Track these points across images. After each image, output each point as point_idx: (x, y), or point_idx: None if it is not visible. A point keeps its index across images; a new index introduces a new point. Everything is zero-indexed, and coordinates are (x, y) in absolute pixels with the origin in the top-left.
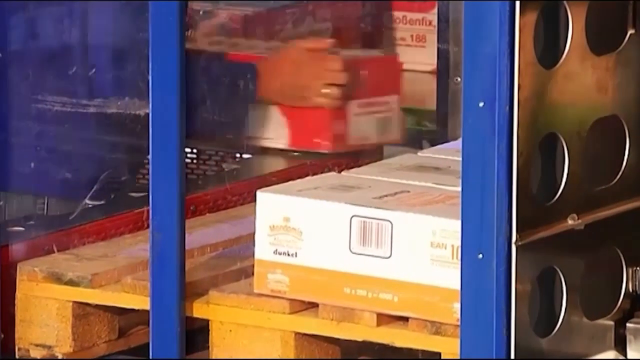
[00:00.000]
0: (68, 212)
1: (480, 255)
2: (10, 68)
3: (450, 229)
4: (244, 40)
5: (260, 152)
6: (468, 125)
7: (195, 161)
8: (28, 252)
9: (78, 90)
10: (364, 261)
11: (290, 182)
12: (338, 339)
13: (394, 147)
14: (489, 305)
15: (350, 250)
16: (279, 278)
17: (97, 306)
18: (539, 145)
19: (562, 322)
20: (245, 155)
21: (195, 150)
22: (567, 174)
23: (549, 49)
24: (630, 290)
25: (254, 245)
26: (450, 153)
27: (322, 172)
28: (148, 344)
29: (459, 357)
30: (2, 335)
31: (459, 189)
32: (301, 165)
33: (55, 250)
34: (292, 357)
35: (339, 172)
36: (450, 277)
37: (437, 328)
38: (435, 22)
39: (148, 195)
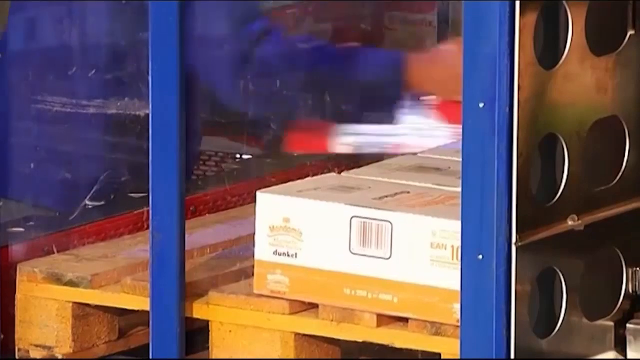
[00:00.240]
0: (69, 212)
1: (480, 256)
2: (11, 69)
3: (450, 229)
4: None
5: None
6: (468, 126)
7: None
8: (28, 253)
9: (85, 91)
10: (364, 262)
11: (290, 183)
12: (338, 340)
13: None
14: (489, 306)
15: (350, 251)
16: (278, 279)
17: (97, 307)
18: (539, 145)
19: (562, 323)
20: (245, 156)
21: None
22: (567, 175)
23: (549, 50)
24: (630, 291)
25: (253, 246)
26: (450, 154)
27: (322, 173)
28: (148, 344)
29: (459, 358)
30: (2, 336)
31: (459, 189)
32: (301, 166)
33: (55, 251)
34: (292, 358)
35: (339, 173)
36: (450, 278)
37: (437, 329)
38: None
39: (148, 196)
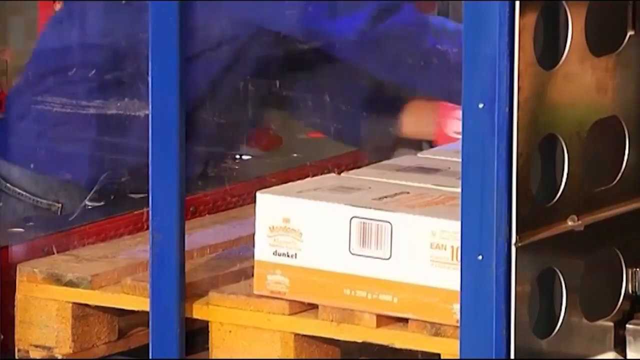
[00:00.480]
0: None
1: (480, 257)
2: None
3: (450, 230)
4: None
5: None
6: (468, 126)
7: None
8: (28, 253)
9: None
10: (363, 262)
11: (290, 183)
12: (338, 340)
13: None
14: (488, 307)
15: (350, 252)
16: (278, 279)
17: (96, 307)
18: (539, 146)
19: (561, 323)
20: (244, 157)
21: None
22: (567, 175)
23: (548, 50)
24: (630, 291)
25: (253, 246)
26: (449, 154)
27: (321, 174)
28: (148, 345)
29: (458, 358)
30: (2, 337)
31: (459, 190)
32: (301, 167)
33: (55, 251)
34: (292, 358)
35: (339, 173)
36: (450, 278)
37: (436, 329)
38: None
39: (148, 196)
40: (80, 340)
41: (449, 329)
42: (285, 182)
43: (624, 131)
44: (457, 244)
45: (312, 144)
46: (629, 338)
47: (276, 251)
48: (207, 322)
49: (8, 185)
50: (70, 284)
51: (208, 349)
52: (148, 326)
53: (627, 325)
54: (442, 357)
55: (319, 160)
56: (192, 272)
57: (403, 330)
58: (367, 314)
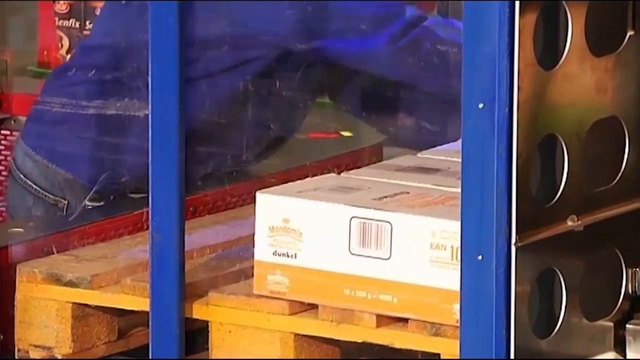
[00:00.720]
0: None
1: (480, 257)
2: None
3: (449, 230)
4: None
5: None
6: (468, 126)
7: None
8: (27, 253)
9: None
10: (363, 262)
11: (290, 184)
12: (337, 340)
13: (393, 148)
14: (488, 307)
15: (350, 252)
16: (278, 279)
17: (96, 307)
18: (539, 146)
19: (561, 323)
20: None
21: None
22: (567, 175)
23: (548, 50)
24: (630, 291)
25: (253, 246)
26: (449, 154)
27: (321, 174)
28: (148, 345)
29: (458, 359)
30: (2, 337)
31: (459, 190)
32: (301, 167)
33: (55, 251)
34: (292, 358)
35: (338, 173)
36: (449, 278)
37: (436, 329)
38: None
39: (147, 196)
40: (80, 341)
41: (448, 329)
42: (285, 182)
43: (624, 131)
44: (457, 244)
45: (312, 144)
46: (628, 338)
47: (276, 251)
48: (207, 322)
49: (20, 175)
50: (70, 284)
51: (208, 349)
52: (148, 326)
53: (627, 325)
54: (442, 357)
55: (319, 160)
56: (192, 272)
57: (403, 330)
58: (367, 314)
